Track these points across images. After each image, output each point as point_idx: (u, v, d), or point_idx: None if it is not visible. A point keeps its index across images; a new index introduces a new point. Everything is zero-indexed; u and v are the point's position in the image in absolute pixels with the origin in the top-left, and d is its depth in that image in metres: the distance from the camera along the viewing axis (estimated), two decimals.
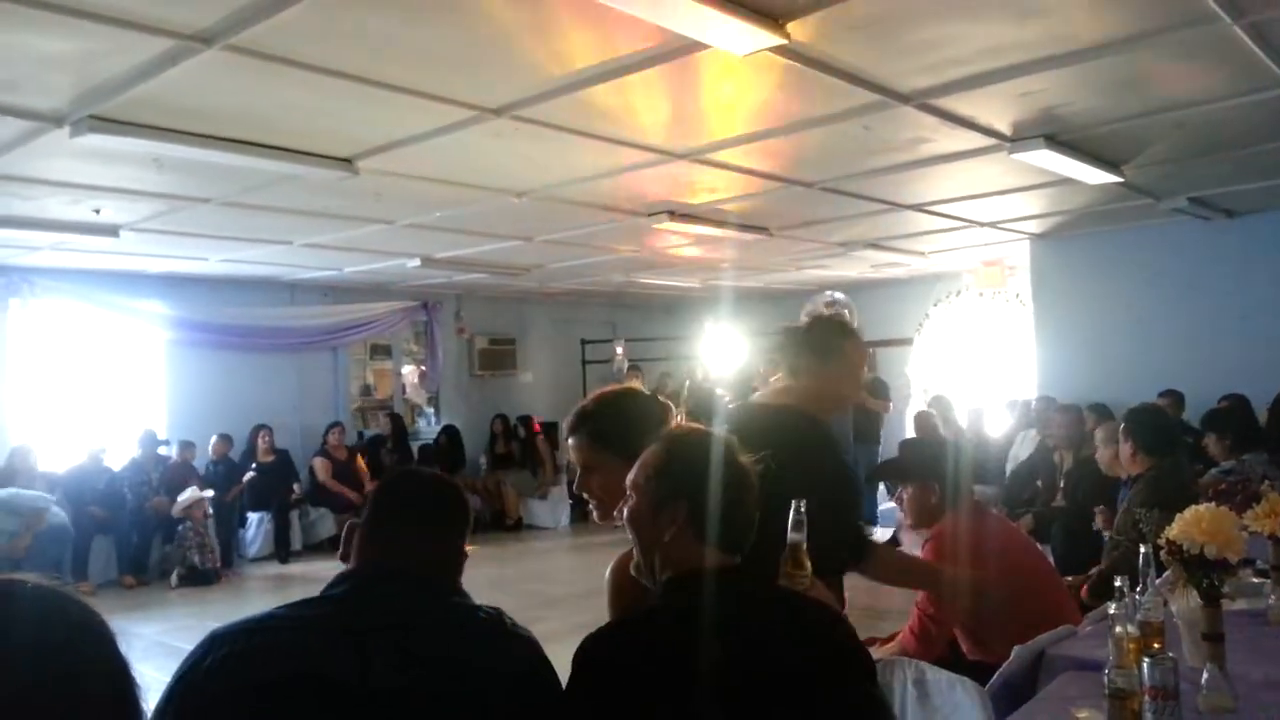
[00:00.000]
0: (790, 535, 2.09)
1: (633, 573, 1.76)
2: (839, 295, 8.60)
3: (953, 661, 3.15)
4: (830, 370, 2.72)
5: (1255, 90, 4.42)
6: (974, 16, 3.45)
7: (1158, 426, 4.13)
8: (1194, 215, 7.48)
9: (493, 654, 1.60)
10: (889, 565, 2.94)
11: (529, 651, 1.65)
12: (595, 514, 2.20)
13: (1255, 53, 3.90)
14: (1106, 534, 4.61)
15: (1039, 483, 7.17)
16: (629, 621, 1.74)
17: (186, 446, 9.05)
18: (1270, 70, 4.12)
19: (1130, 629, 2.06)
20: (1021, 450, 8.16)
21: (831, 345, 2.75)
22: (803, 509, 2.12)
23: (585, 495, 2.23)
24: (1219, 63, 4.05)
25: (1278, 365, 5.85)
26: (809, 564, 2.09)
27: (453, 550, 1.73)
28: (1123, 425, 4.15)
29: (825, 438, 2.71)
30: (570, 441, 2.23)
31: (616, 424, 2.14)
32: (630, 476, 1.76)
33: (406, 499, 1.77)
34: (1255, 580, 2.98)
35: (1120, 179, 5.93)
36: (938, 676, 2.34)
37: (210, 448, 9.23)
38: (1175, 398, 7.26)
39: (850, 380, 2.84)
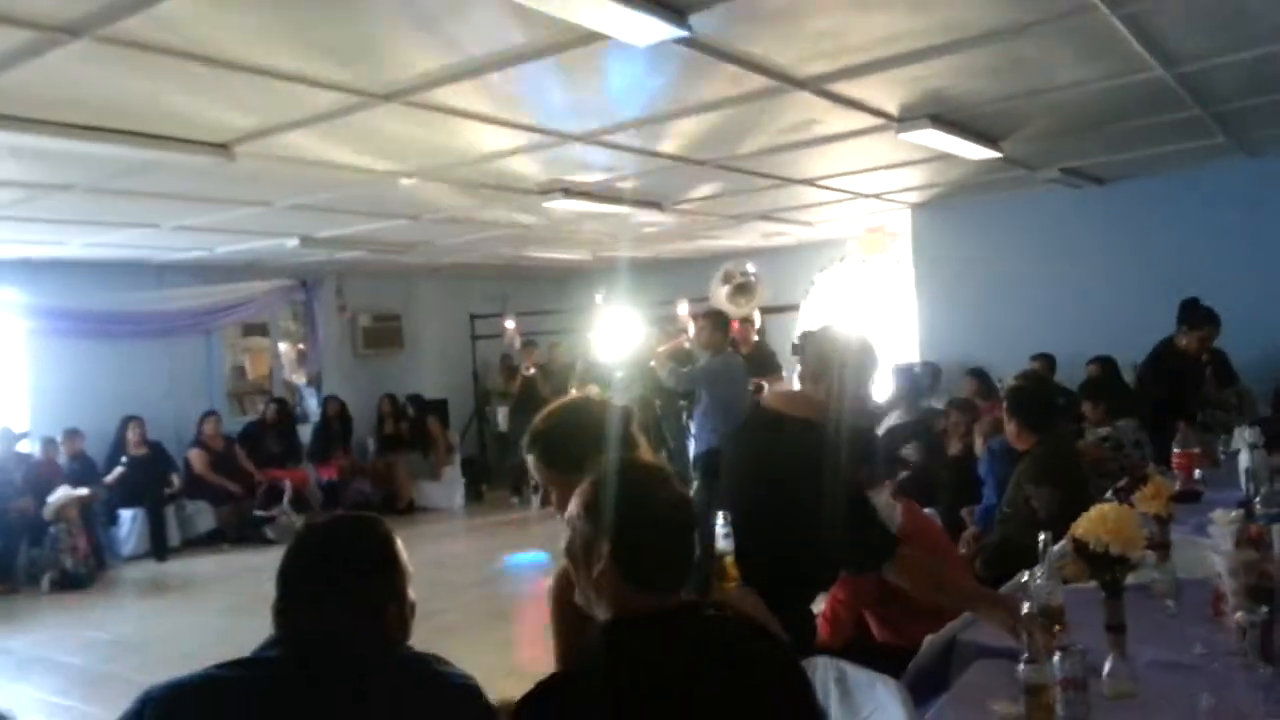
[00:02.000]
0: (718, 546, 2.10)
1: (578, 602, 1.73)
2: (749, 266, 8.63)
3: (862, 644, 3.25)
4: (842, 384, 2.69)
5: (1125, 72, 4.64)
6: (868, 8, 3.49)
7: (1039, 402, 4.26)
8: (1066, 184, 7.82)
9: (436, 713, 1.56)
10: (922, 568, 2.66)
11: (471, 705, 1.61)
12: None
13: (1129, 40, 4.07)
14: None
15: (914, 441, 7.37)
16: (566, 677, 1.71)
17: (49, 443, 8.53)
18: (1141, 56, 4.32)
19: (1040, 621, 2.16)
20: (903, 415, 8.42)
21: (825, 362, 2.71)
22: (729, 519, 2.14)
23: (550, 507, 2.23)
24: (1095, 49, 4.23)
25: (1144, 327, 6.18)
26: (736, 574, 2.11)
27: (386, 601, 1.65)
28: (1005, 404, 4.24)
29: (837, 450, 2.64)
30: (528, 459, 2.25)
31: (561, 441, 2.15)
32: (568, 511, 1.73)
33: (324, 557, 1.66)
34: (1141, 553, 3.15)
35: (999, 154, 6.15)
36: (858, 674, 2.39)
37: (61, 445, 8.64)
38: (1047, 360, 7.61)
39: (858, 398, 2.75)
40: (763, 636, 1.75)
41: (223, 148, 4.73)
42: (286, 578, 1.62)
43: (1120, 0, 3.60)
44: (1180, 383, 5.59)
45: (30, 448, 8.51)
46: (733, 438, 2.91)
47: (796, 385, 2.92)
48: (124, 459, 8.87)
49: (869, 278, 11.20)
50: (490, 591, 6.92)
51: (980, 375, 7.84)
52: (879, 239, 10.63)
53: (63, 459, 8.59)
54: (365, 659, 1.57)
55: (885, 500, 2.96)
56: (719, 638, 1.67)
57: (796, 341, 3.01)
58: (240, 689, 1.51)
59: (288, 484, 9.52)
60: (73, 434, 8.68)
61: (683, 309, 9.80)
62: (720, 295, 8.75)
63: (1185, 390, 5.55)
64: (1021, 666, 2.04)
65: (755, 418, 3.03)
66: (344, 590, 1.61)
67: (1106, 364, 6.75)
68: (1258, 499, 3.29)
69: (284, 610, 1.61)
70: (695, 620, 1.66)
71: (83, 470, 8.60)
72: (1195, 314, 5.65)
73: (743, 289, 8.57)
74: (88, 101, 3.91)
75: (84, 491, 8.19)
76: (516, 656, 5.05)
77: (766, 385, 7.70)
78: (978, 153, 5.99)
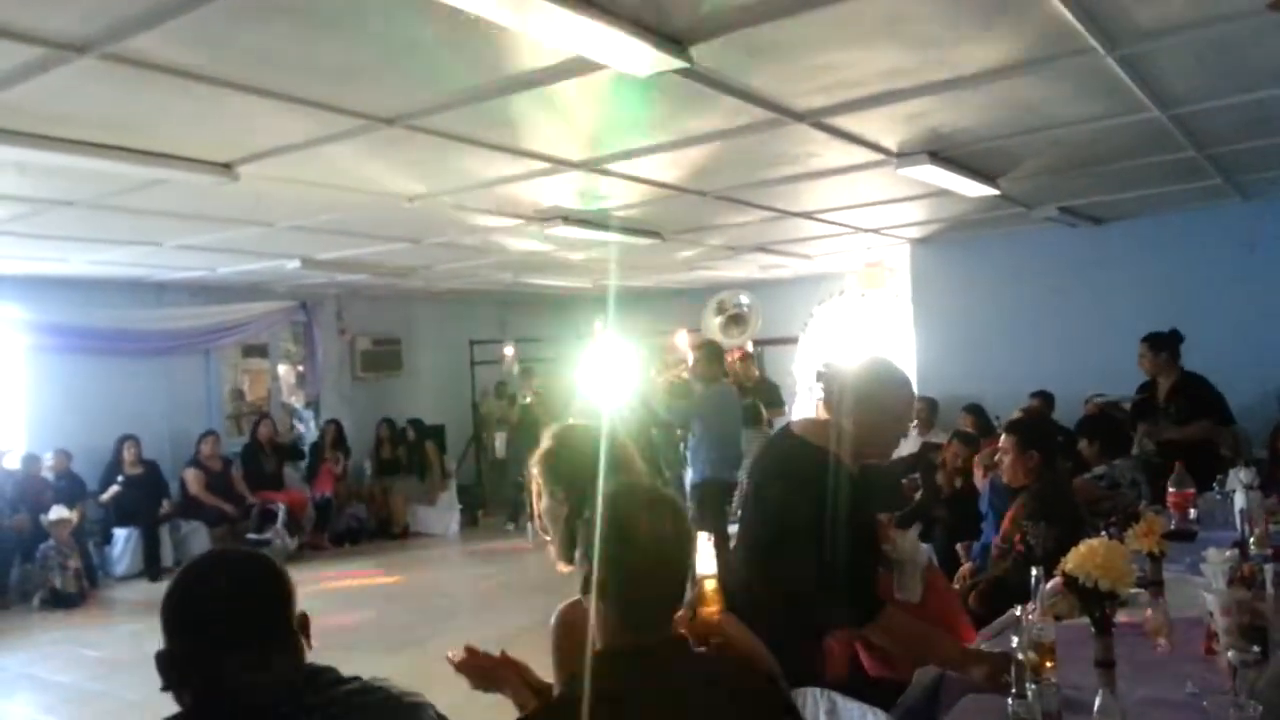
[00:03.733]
0: (698, 569, 2.10)
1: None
2: (743, 298, 8.64)
3: (854, 677, 3.23)
4: (872, 421, 2.64)
5: (1123, 113, 4.67)
6: (868, 44, 3.53)
7: (1049, 437, 4.25)
8: (1063, 223, 7.86)
9: None
10: (903, 632, 2.60)
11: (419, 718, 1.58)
12: None
13: (1125, 81, 4.11)
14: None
15: (916, 476, 7.38)
16: (551, 709, 1.70)
17: (33, 460, 8.50)
18: (1138, 96, 4.36)
19: (1030, 656, 2.16)
20: (902, 449, 8.43)
21: (875, 396, 2.65)
22: (710, 540, 2.14)
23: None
24: (1092, 89, 4.26)
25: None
26: (718, 599, 2.11)
27: (286, 637, 1.53)
28: (1019, 436, 4.05)
29: (852, 487, 2.60)
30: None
31: (556, 458, 2.23)
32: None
33: (211, 609, 1.50)
34: (1133, 591, 3.14)
35: (997, 191, 6.19)
36: (849, 707, 2.38)
37: (48, 463, 8.59)
38: (1046, 398, 7.62)
39: (886, 437, 2.71)
40: (751, 674, 1.72)
41: (225, 167, 4.75)
42: (176, 637, 1.48)
43: (1117, 42, 3.65)
44: (1140, 414, 5.67)
45: (18, 464, 8.48)
46: (753, 461, 2.89)
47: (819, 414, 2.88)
48: (119, 478, 8.85)
49: (868, 312, 11.23)
50: (481, 619, 6.88)
51: (977, 411, 7.85)
52: (878, 273, 10.69)
53: (49, 476, 8.55)
54: (318, 690, 1.51)
55: (911, 539, 2.94)
56: (705, 675, 1.64)
57: (821, 369, 3.02)
58: None
59: (281, 506, 9.48)
60: (60, 453, 8.65)
61: (681, 339, 9.82)
62: (713, 325, 8.78)
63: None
64: (1009, 702, 2.04)
65: (775, 442, 3.01)
66: (274, 628, 1.51)
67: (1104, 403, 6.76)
68: (1252, 539, 3.29)
69: (188, 677, 1.48)
70: (682, 657, 1.63)
71: (70, 488, 8.58)
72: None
73: (736, 320, 8.59)
74: (92, 118, 3.94)
75: (74, 513, 8.18)
76: None
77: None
78: (976, 189, 6.03)
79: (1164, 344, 6.18)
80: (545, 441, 2.29)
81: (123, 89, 3.56)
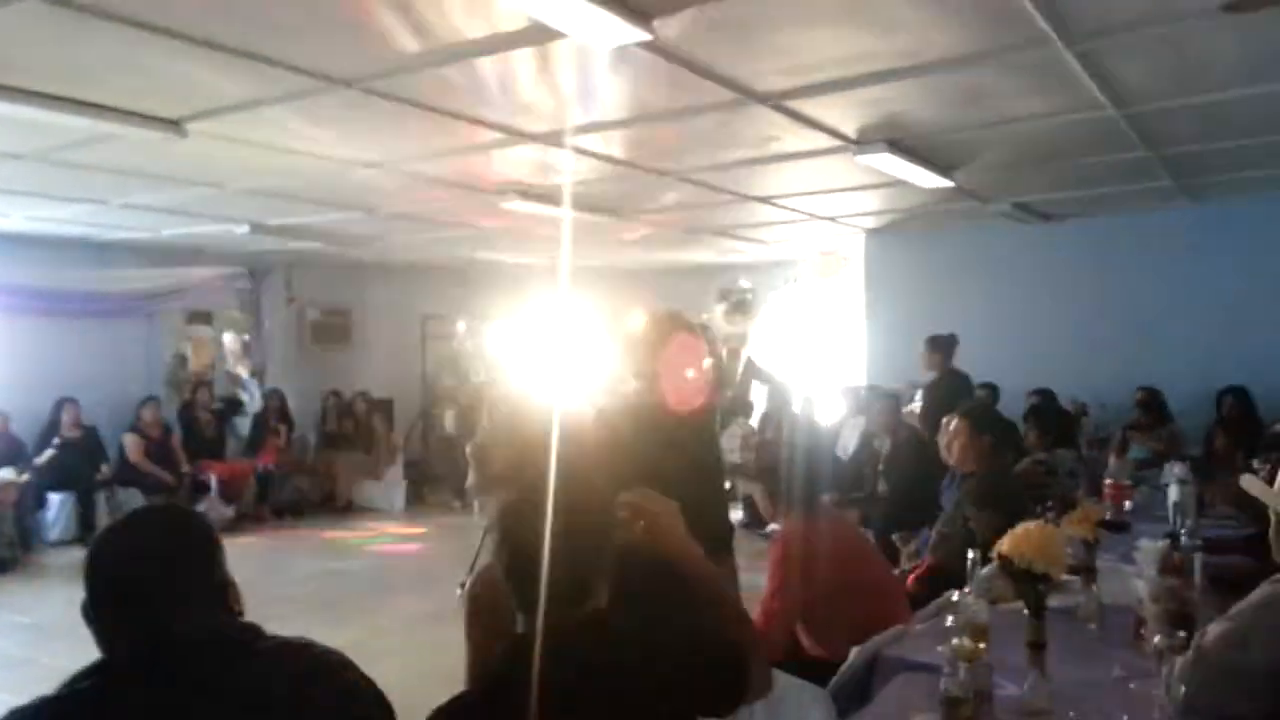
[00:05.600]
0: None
1: None
2: (744, 282, 8.68)
3: (793, 656, 3.26)
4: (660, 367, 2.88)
5: (1078, 109, 4.74)
6: (832, 26, 3.53)
7: (1001, 422, 4.31)
8: (1015, 219, 7.97)
9: (303, 694, 1.49)
10: None
11: (345, 679, 1.55)
12: None
13: (1081, 76, 4.16)
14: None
15: (865, 470, 7.48)
16: (469, 700, 1.64)
17: None
18: (1092, 93, 4.42)
19: (965, 642, 2.18)
20: (850, 437, 8.52)
21: (662, 340, 2.92)
22: None
23: None
24: (1048, 83, 4.31)
25: (1083, 363, 6.35)
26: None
27: (209, 591, 1.53)
28: (971, 421, 4.10)
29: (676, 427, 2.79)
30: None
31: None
32: None
33: (133, 565, 1.49)
34: (1066, 577, 3.20)
35: (953, 184, 6.25)
36: (786, 682, 2.40)
37: None
38: (991, 390, 7.73)
39: (676, 377, 2.94)
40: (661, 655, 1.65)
41: (174, 124, 4.63)
42: (96, 593, 1.48)
43: (1075, 37, 3.68)
44: None
45: None
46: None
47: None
48: (56, 441, 8.62)
49: (820, 300, 11.30)
50: (424, 594, 6.83)
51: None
52: (832, 262, 10.76)
53: None
54: (245, 646, 1.50)
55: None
56: (614, 654, 1.55)
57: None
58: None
59: (213, 477, 9.31)
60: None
61: (636, 320, 9.79)
62: (716, 313, 8.77)
63: None
64: (942, 680, 2.06)
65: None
66: (166, 585, 1.48)
67: (1046, 396, 6.88)
68: (1183, 531, 3.38)
69: (107, 633, 1.48)
70: (588, 638, 1.56)
71: (9, 450, 8.34)
72: None
73: (740, 306, 8.60)
74: (35, 65, 3.81)
75: (25, 477, 8.00)
76: (450, 659, 4.98)
77: None
78: (931, 180, 6.08)
79: (935, 345, 6.73)
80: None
81: (68, 34, 3.44)
